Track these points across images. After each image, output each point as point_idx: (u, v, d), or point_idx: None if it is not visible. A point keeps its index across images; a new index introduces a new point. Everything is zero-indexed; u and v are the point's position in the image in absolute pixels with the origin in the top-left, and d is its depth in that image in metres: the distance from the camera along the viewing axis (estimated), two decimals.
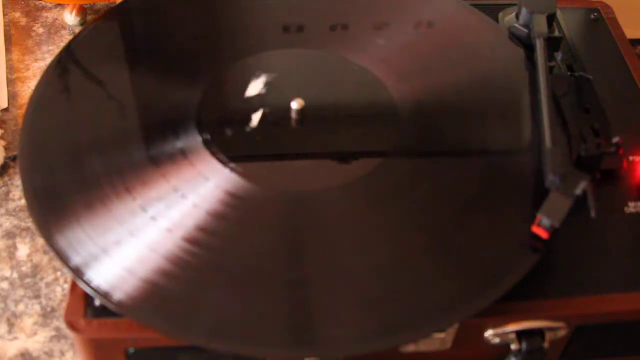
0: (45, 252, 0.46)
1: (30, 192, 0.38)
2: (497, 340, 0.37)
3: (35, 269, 0.46)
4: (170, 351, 0.36)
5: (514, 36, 0.47)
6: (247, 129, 0.41)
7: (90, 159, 0.39)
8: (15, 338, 0.43)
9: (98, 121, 0.41)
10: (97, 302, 0.36)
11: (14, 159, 0.51)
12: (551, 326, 0.37)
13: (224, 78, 0.44)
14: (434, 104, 0.43)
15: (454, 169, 0.40)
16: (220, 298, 0.35)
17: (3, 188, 0.49)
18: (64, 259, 0.36)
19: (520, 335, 0.37)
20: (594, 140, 0.42)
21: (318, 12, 0.48)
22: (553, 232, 0.37)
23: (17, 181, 0.50)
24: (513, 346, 0.38)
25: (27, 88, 0.55)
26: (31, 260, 0.46)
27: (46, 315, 0.44)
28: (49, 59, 0.56)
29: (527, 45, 0.46)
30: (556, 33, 0.47)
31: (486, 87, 0.44)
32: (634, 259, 0.39)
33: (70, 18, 0.59)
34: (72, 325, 0.35)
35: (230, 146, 0.40)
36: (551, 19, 0.46)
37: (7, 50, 0.57)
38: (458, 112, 0.43)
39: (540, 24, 0.45)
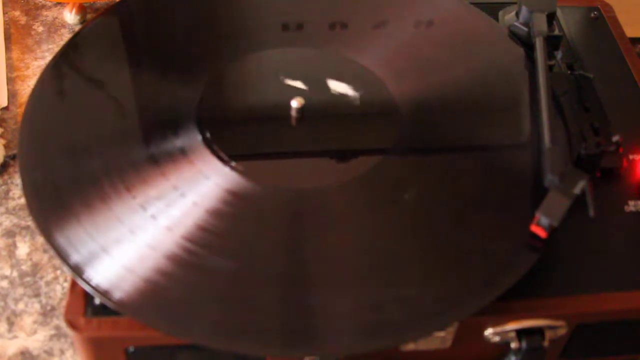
0: (45, 251, 0.46)
1: (30, 191, 0.38)
2: (497, 338, 0.37)
3: (35, 268, 0.46)
4: (170, 350, 0.36)
5: (514, 35, 0.47)
6: (253, 124, 0.41)
7: (90, 158, 0.39)
8: (15, 337, 0.43)
9: (98, 120, 0.41)
10: (97, 301, 0.36)
11: (13, 157, 0.51)
12: (551, 325, 0.37)
13: (223, 76, 0.44)
14: (434, 103, 0.43)
15: (454, 167, 0.40)
16: (220, 297, 0.35)
17: (3, 187, 0.49)
18: (63, 257, 0.36)
19: (520, 333, 0.37)
20: (594, 139, 0.42)
21: (317, 10, 0.48)
22: (552, 231, 0.37)
23: (17, 180, 0.50)
24: (513, 345, 0.38)
25: (27, 87, 0.55)
26: (31, 259, 0.46)
27: (46, 313, 0.44)
28: (48, 58, 0.56)
29: (527, 44, 0.46)
30: (556, 32, 0.47)
31: (486, 86, 0.44)
32: (634, 258, 0.39)
33: (70, 17, 0.59)
34: (72, 324, 0.35)
35: (230, 145, 0.40)
36: (551, 17, 0.46)
37: (7, 48, 0.57)
38: (458, 110, 0.43)
39: (540, 23, 0.45)
